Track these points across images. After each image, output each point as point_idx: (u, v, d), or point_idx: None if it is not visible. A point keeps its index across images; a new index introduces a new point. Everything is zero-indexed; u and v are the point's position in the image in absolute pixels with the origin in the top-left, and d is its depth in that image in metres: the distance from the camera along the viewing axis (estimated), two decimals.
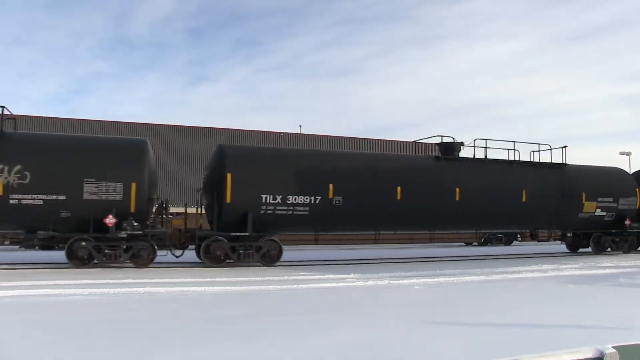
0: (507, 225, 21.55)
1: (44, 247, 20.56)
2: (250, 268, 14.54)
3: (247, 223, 14.73)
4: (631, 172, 23.61)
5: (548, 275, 13.12)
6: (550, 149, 20.31)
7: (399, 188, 16.63)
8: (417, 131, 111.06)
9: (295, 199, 15.32)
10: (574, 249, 22.24)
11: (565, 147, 20.54)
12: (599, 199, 20.34)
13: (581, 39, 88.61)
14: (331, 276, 12.38)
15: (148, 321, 6.85)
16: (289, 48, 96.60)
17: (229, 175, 14.75)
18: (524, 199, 18.62)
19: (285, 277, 11.98)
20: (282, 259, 15.51)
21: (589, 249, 21.09)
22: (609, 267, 15.27)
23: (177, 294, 9.42)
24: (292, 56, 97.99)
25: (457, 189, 17.42)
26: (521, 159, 19.54)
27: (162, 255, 14.63)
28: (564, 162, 20.37)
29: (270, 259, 15.28)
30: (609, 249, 20.93)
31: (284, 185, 15.28)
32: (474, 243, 30.75)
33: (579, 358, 3.06)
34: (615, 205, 20.68)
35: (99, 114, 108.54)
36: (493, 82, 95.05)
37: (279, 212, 15.19)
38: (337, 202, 15.78)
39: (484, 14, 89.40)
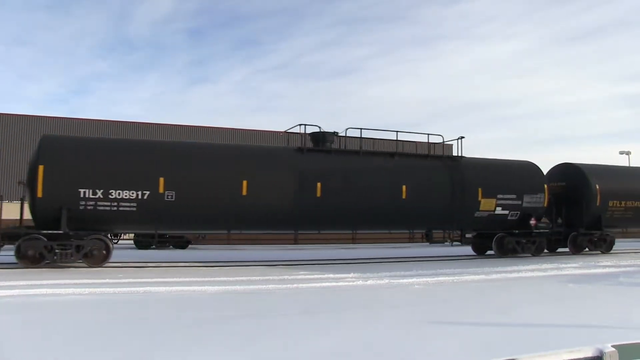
0: (385, 226, 18.45)
1: None
2: (249, 268, 14.54)
3: (62, 219, 13.52)
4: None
5: (548, 274, 13.13)
6: (443, 142, 18.72)
7: (244, 182, 14.91)
8: (417, 130, 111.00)
9: (119, 193, 13.98)
10: (481, 251, 20.07)
11: (462, 137, 18.70)
12: (499, 196, 18.33)
13: (581, 39, 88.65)
14: (331, 275, 12.38)
15: (148, 321, 6.85)
16: (289, 48, 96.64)
17: (41, 168, 13.56)
18: (403, 196, 16.66)
19: (285, 277, 11.99)
20: (282, 259, 15.51)
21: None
22: (609, 266, 15.28)
23: (177, 293, 9.42)
24: (292, 56, 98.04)
25: (319, 184, 15.56)
26: (409, 152, 17.91)
27: None
28: (459, 154, 18.46)
29: (94, 259, 14.08)
30: (515, 252, 18.79)
31: (106, 179, 13.93)
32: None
33: (579, 357, 3.06)
34: (519, 203, 18.68)
35: (99, 114, 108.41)
36: (493, 82, 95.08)
37: (101, 207, 13.88)
38: (169, 197, 14.32)
39: (484, 14, 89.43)
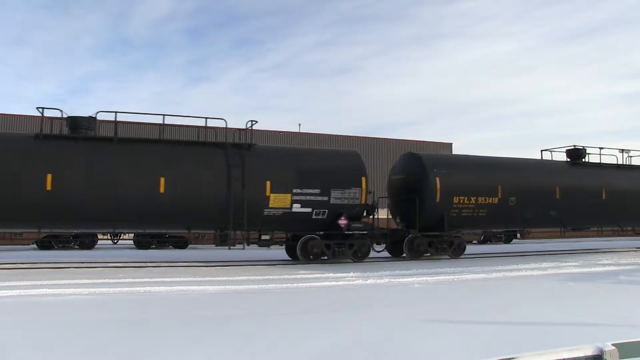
0: (146, 225, 15.40)
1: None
2: (249, 267, 14.53)
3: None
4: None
5: (547, 273, 13.14)
6: (226, 127, 15.26)
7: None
8: (417, 130, 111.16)
9: None
10: (292, 255, 16.87)
11: (253, 122, 15.97)
12: (295, 191, 15.37)
13: (579, 37, 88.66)
14: (331, 275, 12.38)
15: (148, 321, 6.85)
16: (288, 47, 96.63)
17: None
18: (161, 190, 14.17)
19: (285, 276, 11.98)
20: (283, 258, 15.51)
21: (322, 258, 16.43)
22: (609, 265, 15.30)
23: (177, 293, 9.42)
24: (291, 55, 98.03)
25: (49, 176, 13.33)
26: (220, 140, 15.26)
27: None
28: (250, 142, 15.61)
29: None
30: (324, 257, 16.03)
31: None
32: (474, 241, 30.79)
33: (579, 355, 3.06)
34: (325, 199, 15.69)
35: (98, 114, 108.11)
36: (492, 80, 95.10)
37: None
38: None
39: (483, 12, 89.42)
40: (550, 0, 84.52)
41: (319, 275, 12.42)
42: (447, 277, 12.00)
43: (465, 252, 18.94)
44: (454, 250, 18.01)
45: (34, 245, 22.96)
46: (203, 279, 11.31)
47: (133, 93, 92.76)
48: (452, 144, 43.78)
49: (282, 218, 15.41)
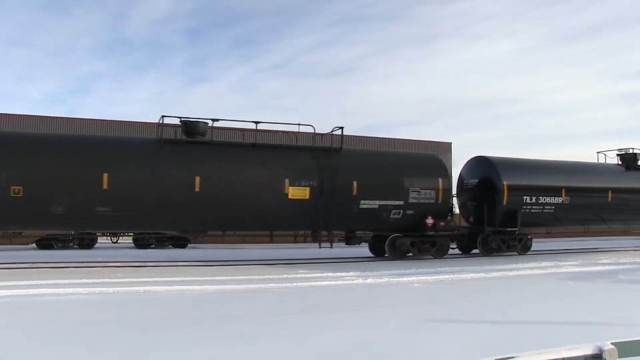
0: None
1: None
2: (249, 267, 14.54)
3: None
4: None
5: (547, 272, 13.15)
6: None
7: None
8: (416, 129, 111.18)
9: None
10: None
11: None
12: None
13: (579, 37, 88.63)
14: (330, 274, 12.38)
15: (148, 320, 6.85)
16: (287, 47, 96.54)
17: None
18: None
19: (285, 276, 11.98)
20: (282, 258, 15.53)
21: None
22: (608, 264, 15.32)
23: (177, 293, 9.42)
24: (291, 55, 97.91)
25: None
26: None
27: None
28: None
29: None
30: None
31: None
32: None
33: (578, 354, 3.06)
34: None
35: (98, 114, 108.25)
36: (491, 80, 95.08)
37: None
38: None
39: (481, 12, 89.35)
40: (550, 0, 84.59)
41: (319, 275, 12.42)
42: (447, 276, 12.00)
43: (465, 252, 19.00)
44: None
45: (34, 245, 22.96)
46: (203, 278, 11.31)
47: (133, 93, 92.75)
48: (451, 143, 43.81)
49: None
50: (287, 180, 15.02)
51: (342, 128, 16.41)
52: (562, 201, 19.29)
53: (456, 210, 19.75)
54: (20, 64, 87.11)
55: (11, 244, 22.72)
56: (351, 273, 12.51)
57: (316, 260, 16.89)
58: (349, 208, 15.72)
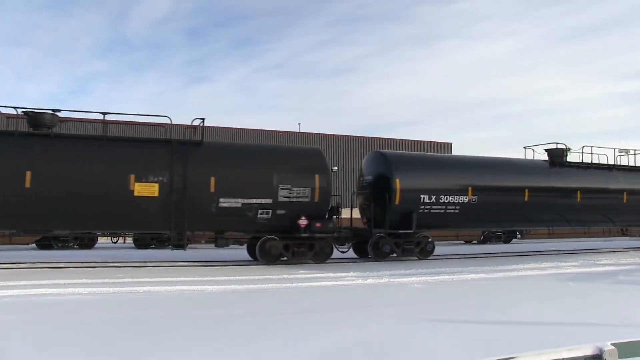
0: None
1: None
2: (249, 267, 14.54)
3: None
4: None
5: (547, 272, 13.15)
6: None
7: None
8: (416, 129, 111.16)
9: None
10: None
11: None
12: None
13: (579, 37, 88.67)
14: (330, 274, 12.38)
15: (148, 320, 6.85)
16: (287, 47, 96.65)
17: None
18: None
19: (285, 276, 11.98)
20: (282, 257, 15.47)
21: None
22: (609, 265, 15.32)
23: (177, 293, 9.42)
24: (291, 55, 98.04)
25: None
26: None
27: None
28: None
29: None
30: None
31: None
32: (473, 241, 30.81)
33: (578, 355, 3.06)
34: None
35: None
36: (491, 80, 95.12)
37: None
38: None
39: (481, 13, 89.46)
40: (550, 0, 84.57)
41: (319, 275, 12.41)
42: (447, 277, 12.00)
43: (465, 252, 18.91)
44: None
45: (34, 245, 22.95)
46: (203, 278, 11.31)
47: (133, 93, 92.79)
48: (451, 143, 43.85)
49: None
50: (132, 176, 13.67)
51: (203, 119, 15.13)
52: (469, 201, 17.31)
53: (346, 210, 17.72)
54: (20, 64, 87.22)
55: (11, 243, 22.70)
56: (351, 273, 12.51)
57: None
58: (207, 207, 14.27)
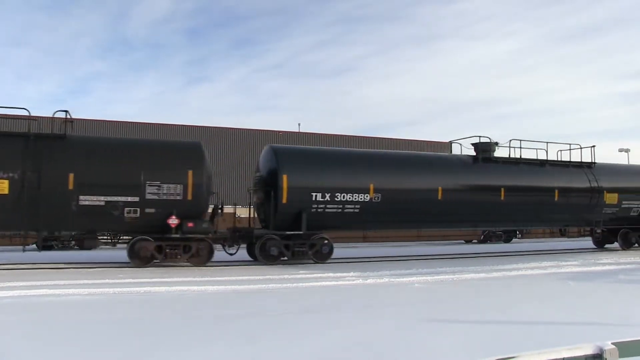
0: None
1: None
2: (248, 267, 14.54)
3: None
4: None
5: (547, 272, 13.15)
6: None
7: None
8: (416, 129, 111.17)
9: None
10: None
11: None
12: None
13: (579, 37, 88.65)
14: (331, 274, 12.38)
15: (148, 321, 6.85)
16: (287, 47, 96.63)
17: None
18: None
19: (285, 276, 11.98)
20: (282, 257, 15.47)
21: None
22: (609, 264, 15.31)
23: (177, 293, 9.42)
24: (290, 55, 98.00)
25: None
26: None
27: None
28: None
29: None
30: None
31: None
32: (474, 241, 30.82)
33: (579, 354, 3.06)
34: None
35: (98, 114, 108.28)
36: (491, 80, 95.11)
37: None
38: None
39: (481, 13, 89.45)
40: (550, 0, 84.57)
41: (319, 275, 12.41)
42: (448, 276, 12.00)
43: (466, 252, 18.87)
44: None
45: (34, 246, 22.94)
46: (203, 279, 11.31)
47: (133, 93, 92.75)
48: (452, 143, 43.81)
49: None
50: None
51: (66, 111, 14.21)
52: (371, 200, 15.89)
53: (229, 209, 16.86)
54: (20, 64, 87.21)
55: (11, 244, 22.70)
56: (352, 273, 12.51)
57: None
58: (66, 205, 13.33)
